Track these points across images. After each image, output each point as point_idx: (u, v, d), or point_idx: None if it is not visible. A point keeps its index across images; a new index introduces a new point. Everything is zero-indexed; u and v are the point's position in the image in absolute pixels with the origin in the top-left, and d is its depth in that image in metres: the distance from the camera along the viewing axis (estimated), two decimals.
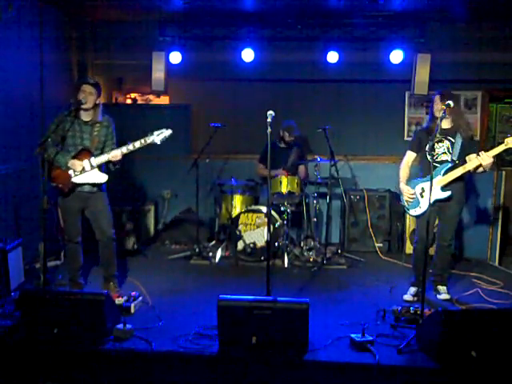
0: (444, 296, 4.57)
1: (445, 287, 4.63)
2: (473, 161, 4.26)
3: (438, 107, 4.28)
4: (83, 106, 4.24)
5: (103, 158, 4.27)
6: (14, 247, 4.55)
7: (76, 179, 4.29)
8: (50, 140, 4.17)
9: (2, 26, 4.96)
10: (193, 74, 6.90)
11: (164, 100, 7.88)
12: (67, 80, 6.54)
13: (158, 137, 4.25)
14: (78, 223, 4.46)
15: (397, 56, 6.45)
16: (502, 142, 4.14)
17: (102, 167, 4.37)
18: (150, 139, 4.24)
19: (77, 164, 4.25)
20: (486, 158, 4.15)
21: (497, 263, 6.00)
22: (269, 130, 3.90)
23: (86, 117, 4.32)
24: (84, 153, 4.28)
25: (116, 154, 4.24)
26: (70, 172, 4.27)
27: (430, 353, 3.33)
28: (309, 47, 6.69)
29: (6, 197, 5.10)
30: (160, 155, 6.83)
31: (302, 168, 6.34)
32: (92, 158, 4.28)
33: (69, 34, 6.58)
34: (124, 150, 4.26)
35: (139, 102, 8.48)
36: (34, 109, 5.58)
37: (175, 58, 6.63)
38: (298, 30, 6.54)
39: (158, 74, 6.57)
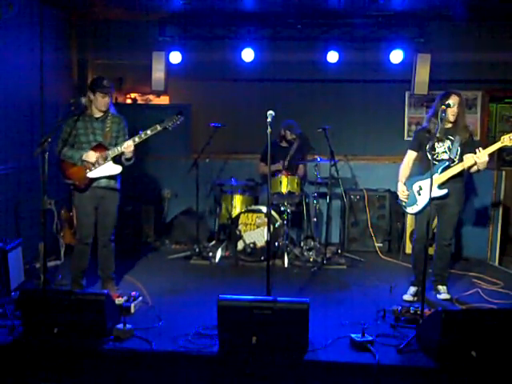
0: (444, 296, 4.57)
1: (445, 287, 4.63)
2: (469, 158, 4.28)
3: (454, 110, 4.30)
4: (102, 109, 4.31)
5: (117, 150, 4.30)
6: (13, 247, 4.55)
7: (91, 174, 4.31)
8: (62, 141, 4.25)
9: (2, 26, 4.96)
10: (193, 74, 6.90)
11: (164, 100, 7.87)
12: (67, 80, 6.55)
13: (170, 123, 4.32)
14: (92, 224, 4.46)
15: (397, 56, 6.45)
16: (499, 140, 4.16)
17: (117, 160, 4.40)
18: (161, 126, 4.30)
19: (91, 154, 4.28)
20: (482, 156, 4.16)
21: (497, 263, 6.00)
22: (269, 129, 3.90)
23: (97, 113, 4.36)
24: (99, 148, 4.32)
25: (129, 145, 4.26)
26: (87, 171, 4.30)
27: (430, 353, 3.32)
28: (309, 47, 6.69)
29: (6, 197, 5.10)
30: (160, 155, 6.85)
31: (301, 167, 6.34)
32: (106, 151, 4.31)
33: (69, 34, 6.59)
34: (136, 139, 4.30)
35: (139, 101, 8.47)
36: (34, 109, 5.58)
37: (175, 58, 6.62)
38: (298, 30, 6.54)
39: (158, 74, 6.57)
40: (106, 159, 4.30)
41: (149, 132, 4.29)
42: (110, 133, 4.37)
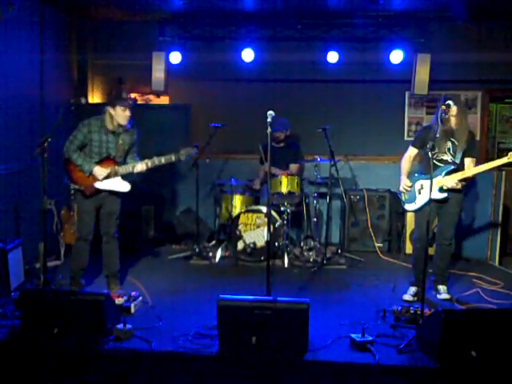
0: (444, 296, 4.57)
1: (445, 287, 4.63)
2: (471, 169, 4.32)
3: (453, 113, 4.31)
4: (123, 123, 4.31)
5: (128, 169, 4.35)
6: (14, 247, 4.55)
7: (99, 185, 4.34)
8: (75, 144, 4.25)
9: (3, 26, 4.97)
10: (193, 74, 6.90)
11: (164, 100, 7.87)
12: (67, 80, 6.55)
13: (184, 155, 4.41)
14: (92, 222, 4.50)
15: (397, 56, 6.46)
16: (504, 149, 4.16)
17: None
18: (176, 157, 4.39)
19: (100, 173, 4.30)
20: (447, 181, 4.28)
21: (497, 263, 6.00)
22: (269, 129, 3.91)
23: (114, 127, 4.35)
24: (108, 160, 4.35)
25: (142, 169, 4.35)
26: (95, 181, 4.32)
27: (430, 353, 3.32)
28: (309, 47, 6.70)
29: (6, 197, 5.10)
30: (160, 155, 6.83)
31: (293, 165, 6.31)
32: (117, 167, 4.34)
33: (69, 34, 6.60)
34: (149, 164, 4.36)
35: (139, 102, 8.46)
36: (33, 109, 5.59)
37: (175, 58, 6.63)
38: (298, 30, 6.54)
39: (158, 73, 6.58)
40: (115, 174, 4.35)
41: (163, 160, 4.38)
42: (123, 146, 4.41)
